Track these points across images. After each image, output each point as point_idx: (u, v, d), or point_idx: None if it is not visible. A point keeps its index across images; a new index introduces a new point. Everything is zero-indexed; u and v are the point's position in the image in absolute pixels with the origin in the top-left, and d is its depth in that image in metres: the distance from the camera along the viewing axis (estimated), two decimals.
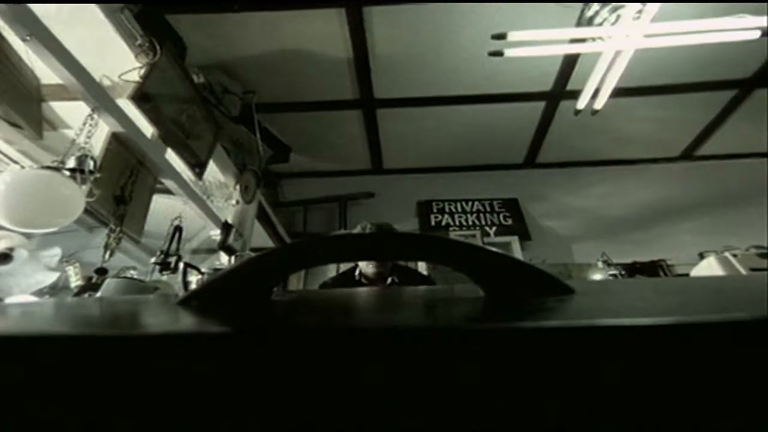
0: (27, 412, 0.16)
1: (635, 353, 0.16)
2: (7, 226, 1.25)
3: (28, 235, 1.62)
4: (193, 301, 0.29)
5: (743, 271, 2.43)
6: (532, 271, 0.29)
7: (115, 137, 1.66)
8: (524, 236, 3.38)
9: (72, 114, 1.86)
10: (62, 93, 1.68)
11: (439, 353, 0.16)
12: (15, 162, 1.89)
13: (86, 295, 1.67)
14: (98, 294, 1.60)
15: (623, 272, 2.85)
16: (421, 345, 0.17)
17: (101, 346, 0.17)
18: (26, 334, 0.19)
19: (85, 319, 0.29)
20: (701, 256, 2.84)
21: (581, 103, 2.30)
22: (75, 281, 2.14)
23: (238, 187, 2.58)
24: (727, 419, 0.15)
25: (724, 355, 0.16)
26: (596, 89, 2.19)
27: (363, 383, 0.16)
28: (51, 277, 1.68)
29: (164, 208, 2.25)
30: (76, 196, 1.35)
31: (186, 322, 0.25)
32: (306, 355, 0.16)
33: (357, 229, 1.44)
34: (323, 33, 2.30)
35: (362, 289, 0.88)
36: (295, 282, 3.08)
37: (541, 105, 2.98)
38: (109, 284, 1.61)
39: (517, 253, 3.22)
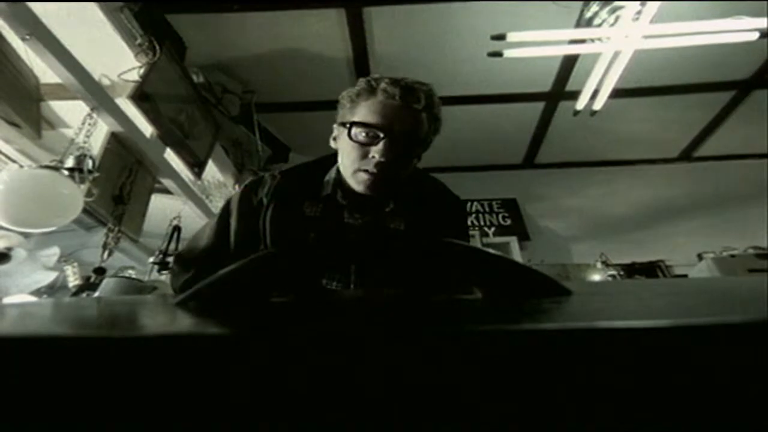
0: (22, 414, 0.16)
1: (632, 356, 0.16)
2: (6, 225, 1.25)
3: (26, 235, 1.61)
4: (191, 301, 0.29)
5: (741, 273, 2.44)
6: (529, 273, 0.29)
7: (114, 137, 1.66)
8: (523, 236, 3.38)
9: (71, 113, 1.86)
10: (61, 92, 1.68)
11: (436, 355, 0.16)
12: (14, 161, 1.89)
13: (84, 294, 1.66)
14: (96, 293, 1.60)
15: (622, 273, 2.86)
16: (416, 347, 0.17)
17: (97, 348, 0.17)
18: (21, 335, 0.19)
19: (82, 320, 0.29)
20: (700, 257, 2.85)
21: (580, 104, 2.30)
22: (73, 281, 2.14)
23: (236, 186, 2.58)
24: (722, 422, 0.15)
25: (719, 358, 0.16)
26: (595, 90, 2.19)
27: (359, 385, 0.16)
28: (49, 277, 1.68)
29: (163, 208, 2.25)
30: (74, 196, 1.35)
31: (183, 323, 0.25)
32: (302, 358, 0.16)
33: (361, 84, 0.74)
34: (323, 33, 2.30)
35: (360, 290, 0.67)
36: None
37: (540, 105, 2.98)
38: (107, 284, 1.60)
39: (516, 253, 3.22)
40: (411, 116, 0.72)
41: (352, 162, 0.73)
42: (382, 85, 0.72)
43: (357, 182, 0.73)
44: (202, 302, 0.29)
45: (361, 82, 0.74)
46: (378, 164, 0.70)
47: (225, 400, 0.16)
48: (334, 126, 0.80)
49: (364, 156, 0.71)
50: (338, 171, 0.79)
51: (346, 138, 0.73)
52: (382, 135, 0.70)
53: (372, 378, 0.16)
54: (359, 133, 0.71)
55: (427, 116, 0.76)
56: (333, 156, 0.83)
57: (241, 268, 0.30)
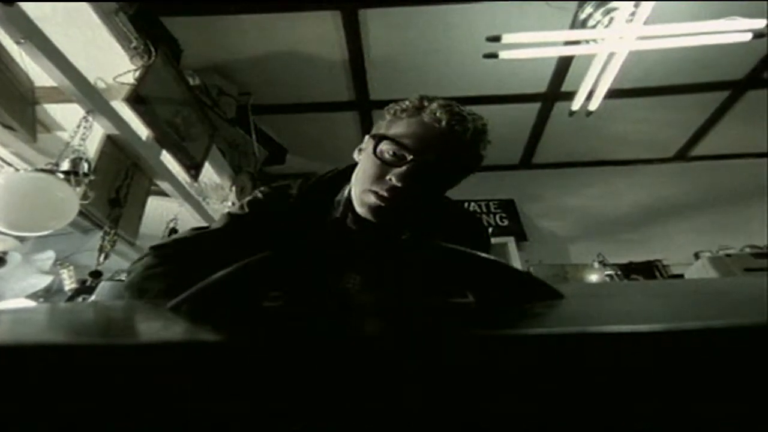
0: (16, 421, 0.16)
1: (620, 360, 0.16)
2: (1, 228, 1.25)
3: (21, 238, 1.60)
4: (184, 306, 0.29)
5: (737, 272, 2.44)
6: (522, 277, 0.29)
7: (109, 139, 1.65)
8: (520, 237, 3.38)
9: (66, 116, 1.86)
10: (56, 95, 1.67)
11: (428, 360, 0.16)
12: (9, 164, 1.88)
13: (80, 298, 1.65)
14: (92, 297, 1.59)
15: (619, 272, 2.87)
16: (409, 352, 0.17)
17: (90, 355, 0.17)
18: (14, 343, 0.19)
19: (75, 327, 0.29)
20: (696, 256, 2.86)
21: (576, 105, 2.31)
22: (69, 284, 2.12)
23: (233, 188, 2.57)
24: (719, 422, 0.15)
25: (708, 362, 0.16)
26: (591, 91, 2.20)
27: (354, 390, 0.16)
28: (44, 281, 1.67)
29: (160, 210, 2.25)
30: (70, 199, 1.34)
31: (175, 330, 0.25)
32: (296, 363, 0.16)
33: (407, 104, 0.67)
34: (319, 35, 2.30)
35: (353, 294, 0.58)
36: None
37: (536, 106, 2.99)
38: (103, 287, 1.59)
39: (514, 254, 3.22)
40: (450, 147, 0.62)
41: (365, 180, 0.64)
42: (433, 105, 0.63)
43: (362, 204, 0.65)
44: (194, 307, 0.29)
45: (413, 98, 0.66)
46: (392, 189, 0.61)
47: (220, 405, 0.16)
48: (366, 137, 0.70)
49: (381, 177, 0.62)
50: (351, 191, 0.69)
51: (371, 152, 0.64)
52: (409, 158, 0.61)
53: (369, 380, 0.16)
54: (386, 150, 0.62)
55: (469, 152, 0.66)
56: (350, 170, 0.73)
57: (234, 272, 0.30)
